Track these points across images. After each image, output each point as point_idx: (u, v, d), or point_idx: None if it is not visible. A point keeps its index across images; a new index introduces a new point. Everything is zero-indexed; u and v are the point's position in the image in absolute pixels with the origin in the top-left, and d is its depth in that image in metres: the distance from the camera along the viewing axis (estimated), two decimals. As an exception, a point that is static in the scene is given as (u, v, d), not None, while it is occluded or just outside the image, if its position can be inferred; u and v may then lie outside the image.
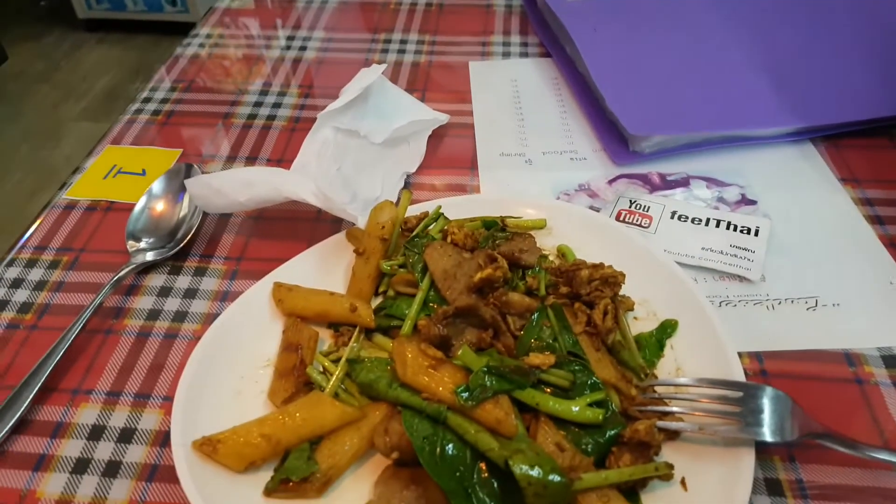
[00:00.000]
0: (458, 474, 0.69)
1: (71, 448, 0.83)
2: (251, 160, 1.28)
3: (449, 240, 0.95)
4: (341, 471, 0.74)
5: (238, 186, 1.03)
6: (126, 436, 0.84)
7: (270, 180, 1.02)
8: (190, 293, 1.02)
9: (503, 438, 0.71)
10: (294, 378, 0.81)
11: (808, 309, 0.96)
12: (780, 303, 0.97)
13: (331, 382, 0.79)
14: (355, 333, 0.84)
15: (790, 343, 0.91)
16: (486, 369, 0.74)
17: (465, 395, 0.72)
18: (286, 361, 0.84)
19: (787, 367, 0.88)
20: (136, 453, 0.82)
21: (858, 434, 0.80)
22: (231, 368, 0.86)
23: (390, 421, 0.73)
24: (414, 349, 0.76)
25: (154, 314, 0.99)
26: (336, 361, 0.82)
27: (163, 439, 0.83)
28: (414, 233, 0.98)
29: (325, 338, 0.91)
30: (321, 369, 0.83)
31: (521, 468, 0.66)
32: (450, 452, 0.70)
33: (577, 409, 0.76)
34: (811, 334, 0.93)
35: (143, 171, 1.27)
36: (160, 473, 0.80)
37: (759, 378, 0.87)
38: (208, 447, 0.74)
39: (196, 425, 0.78)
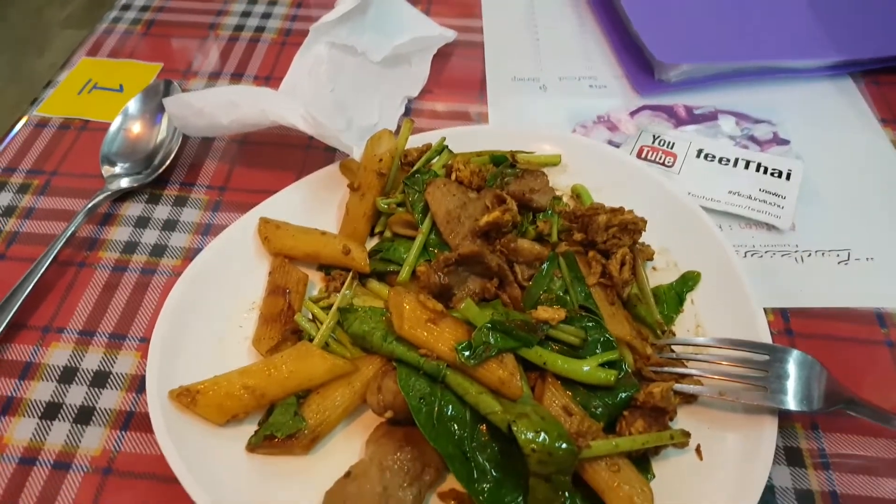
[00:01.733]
0: (456, 437, 0.63)
1: (41, 391, 0.77)
2: (237, 77, 1.17)
3: (454, 177, 0.86)
4: (330, 427, 0.68)
5: (221, 107, 0.93)
6: (100, 380, 0.78)
7: (256, 101, 0.92)
8: (169, 225, 0.94)
9: (506, 400, 0.65)
10: (281, 325, 0.75)
11: (839, 263, 0.89)
12: (809, 255, 0.90)
13: (320, 332, 0.72)
14: (348, 279, 0.77)
15: (819, 300, 0.84)
16: (489, 325, 0.67)
17: (467, 352, 0.65)
18: (272, 306, 0.77)
19: (815, 326, 0.82)
20: (111, 399, 0.76)
21: (887, 402, 0.74)
22: (213, 311, 0.79)
23: (384, 377, 0.67)
24: (412, 300, 0.69)
25: (131, 247, 0.91)
26: (327, 309, 0.75)
27: (139, 385, 0.77)
28: (415, 167, 0.89)
29: (316, 281, 0.84)
30: (310, 317, 0.76)
31: (525, 433, 0.61)
32: (448, 414, 0.64)
33: (587, 369, 0.69)
34: (842, 291, 0.85)
35: (121, 86, 1.16)
36: (136, 421, 0.74)
37: (785, 338, 0.80)
38: (186, 398, 0.68)
39: (174, 373, 0.72)
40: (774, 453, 0.66)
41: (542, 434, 0.61)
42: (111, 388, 0.77)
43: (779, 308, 0.83)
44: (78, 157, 1.03)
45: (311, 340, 0.73)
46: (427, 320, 0.68)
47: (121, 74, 1.18)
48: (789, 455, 0.71)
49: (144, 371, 0.73)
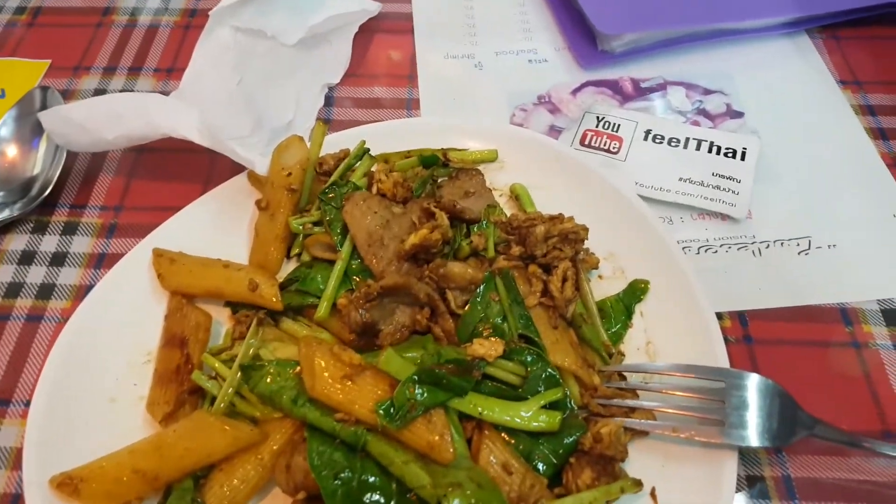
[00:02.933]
0: (381, 519, 0.56)
1: (-90, 474, 0.67)
2: (135, 72, 1.03)
3: (374, 189, 0.76)
4: (237, 511, 0.60)
5: (104, 120, 0.81)
6: (-21, 455, 0.69)
7: (144, 112, 0.79)
8: (58, 259, 0.82)
9: (438, 466, 0.57)
10: (177, 384, 0.65)
11: (800, 253, 0.82)
12: (767, 246, 0.83)
13: (220, 394, 0.63)
14: (252, 325, 0.67)
15: (779, 298, 0.78)
16: (415, 378, 0.59)
17: (390, 414, 0.57)
18: (168, 360, 0.67)
19: (775, 329, 0.75)
20: (-8, 478, 0.67)
21: (856, 410, 0.69)
22: (103, 367, 0.69)
23: (294, 453, 0.58)
24: (325, 354, 0.60)
25: (14, 289, 0.80)
26: (232, 361, 0.66)
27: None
28: (331, 179, 0.78)
29: (223, 319, 0.74)
30: (213, 373, 0.66)
31: (459, 508, 0.53)
32: (370, 490, 0.56)
33: (528, 414, 0.62)
34: (803, 285, 0.79)
35: (3, 91, 1.01)
36: None
37: (743, 345, 0.74)
38: (68, 487, 0.59)
39: (59, 447, 0.63)
40: (735, 486, 0.60)
41: (479, 506, 0.53)
42: None
43: (736, 311, 0.77)
44: (-49, 182, 0.90)
45: (213, 402, 0.64)
46: (343, 377, 0.59)
47: (2, 76, 1.03)
48: (751, 485, 0.65)
49: (30, 443, 0.64)
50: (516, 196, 0.84)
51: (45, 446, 0.63)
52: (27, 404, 0.71)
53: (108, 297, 0.73)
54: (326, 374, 0.59)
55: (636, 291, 0.75)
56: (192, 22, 1.10)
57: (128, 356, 0.70)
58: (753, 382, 0.64)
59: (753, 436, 0.61)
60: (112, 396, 0.68)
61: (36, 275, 0.81)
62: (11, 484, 0.66)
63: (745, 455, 0.66)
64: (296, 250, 0.78)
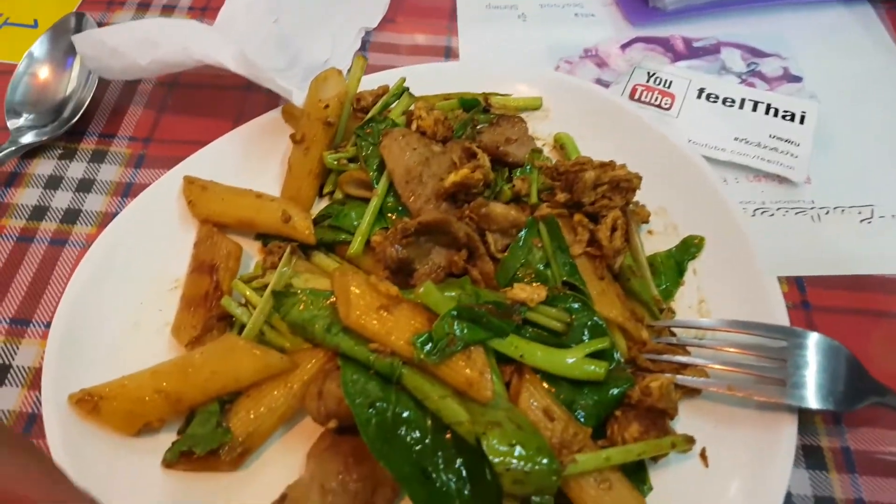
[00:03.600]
0: (414, 453, 0.52)
1: (-73, 392, 0.65)
2: (168, 9, 1.00)
3: (414, 126, 0.73)
4: (262, 439, 0.57)
5: (139, 45, 0.77)
6: (-4, 375, 0.66)
7: (179, 38, 0.76)
8: (84, 185, 0.80)
9: (476, 405, 0.54)
10: (205, 310, 0.62)
11: (861, 221, 0.77)
12: (827, 212, 0.78)
13: (251, 320, 0.60)
14: (286, 253, 0.64)
15: (839, 266, 0.73)
16: (454, 313, 0.55)
17: (427, 346, 0.54)
18: (196, 286, 0.64)
19: (835, 297, 0.70)
20: (10, 398, 0.64)
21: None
22: (127, 292, 0.67)
23: (326, 379, 0.55)
24: (361, 283, 0.56)
25: (39, 212, 0.77)
26: (262, 290, 0.62)
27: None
28: (369, 115, 0.75)
29: (253, 253, 0.71)
30: (242, 300, 0.63)
31: (497, 448, 0.50)
32: (404, 423, 0.53)
33: (572, 361, 0.58)
34: (865, 254, 0.74)
35: (35, 22, 0.99)
36: (40, 426, 0.62)
37: (801, 312, 0.69)
38: (88, 404, 0.56)
39: (78, 369, 0.60)
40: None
41: (518, 448, 0.50)
42: (10, 385, 0.65)
43: (794, 276, 0.72)
44: (-18, 106, 0.88)
45: (241, 330, 0.60)
46: (379, 307, 0.55)
47: (36, 7, 1.01)
48: (808, 455, 0.61)
49: (49, 363, 0.61)
50: (561, 145, 0.79)
51: (64, 364, 0.60)
52: (47, 325, 0.68)
53: (136, 223, 0.70)
54: (362, 303, 0.55)
55: (689, 247, 0.71)
56: (230, -38, 1.07)
57: (154, 282, 0.68)
58: (817, 342, 0.59)
59: (816, 398, 0.57)
60: (136, 321, 0.65)
61: (62, 199, 0.79)
62: (28, 403, 0.64)
63: (801, 423, 0.62)
64: (328, 188, 0.75)
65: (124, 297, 0.66)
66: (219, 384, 0.56)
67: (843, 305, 0.70)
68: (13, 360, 0.67)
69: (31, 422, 0.63)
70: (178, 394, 0.55)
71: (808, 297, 0.70)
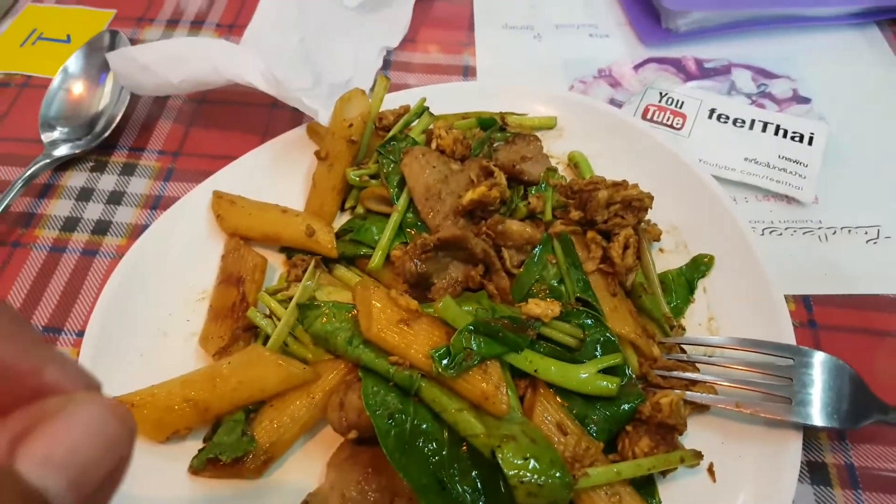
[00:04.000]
0: (431, 464, 0.54)
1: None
2: (197, 26, 1.04)
3: (434, 145, 0.75)
4: (285, 447, 0.59)
5: (170, 63, 0.81)
6: (31, 381, 0.68)
7: (209, 56, 0.79)
8: (115, 197, 0.83)
9: (491, 418, 0.56)
10: (232, 321, 0.65)
11: (868, 241, 0.79)
12: (834, 232, 0.80)
13: (276, 332, 0.62)
14: (310, 267, 0.66)
15: (845, 285, 0.75)
16: (471, 328, 0.57)
17: (445, 360, 0.56)
18: (224, 298, 0.67)
19: (842, 316, 0.72)
20: (44, 403, 0.67)
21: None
22: (157, 301, 0.69)
23: (348, 391, 0.57)
24: (382, 297, 0.59)
25: (71, 223, 0.81)
26: (286, 302, 0.65)
27: None
28: (390, 133, 0.77)
29: (277, 265, 0.74)
30: (267, 312, 0.66)
31: (512, 461, 0.52)
32: (422, 435, 0.55)
33: (585, 376, 0.60)
34: (872, 273, 0.76)
35: (68, 36, 1.03)
36: None
37: (808, 331, 0.71)
38: (120, 411, 0.58)
39: (110, 376, 0.62)
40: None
41: (532, 461, 0.52)
42: None
43: (801, 295, 0.74)
44: (18, 119, 0.92)
45: (266, 341, 0.63)
46: (399, 321, 0.58)
47: (69, 23, 1.05)
48: (813, 471, 0.62)
49: (81, 371, 0.64)
50: (575, 164, 0.82)
51: (96, 371, 0.62)
52: (79, 334, 0.71)
53: (166, 235, 0.73)
54: (383, 317, 0.57)
55: (699, 266, 0.73)
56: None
57: (182, 293, 0.70)
58: (823, 361, 0.61)
59: (821, 415, 0.59)
60: (165, 330, 0.68)
61: (93, 211, 0.82)
62: None
63: (806, 439, 0.63)
64: (350, 203, 0.77)
65: (154, 307, 0.69)
66: (245, 394, 0.58)
67: (849, 324, 0.71)
68: (47, 366, 0.69)
69: None
70: (205, 403, 0.58)
71: (814, 315, 0.72)
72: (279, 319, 0.63)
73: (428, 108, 0.81)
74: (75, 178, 0.85)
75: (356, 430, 0.56)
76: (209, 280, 0.71)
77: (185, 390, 0.58)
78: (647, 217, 0.73)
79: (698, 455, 0.58)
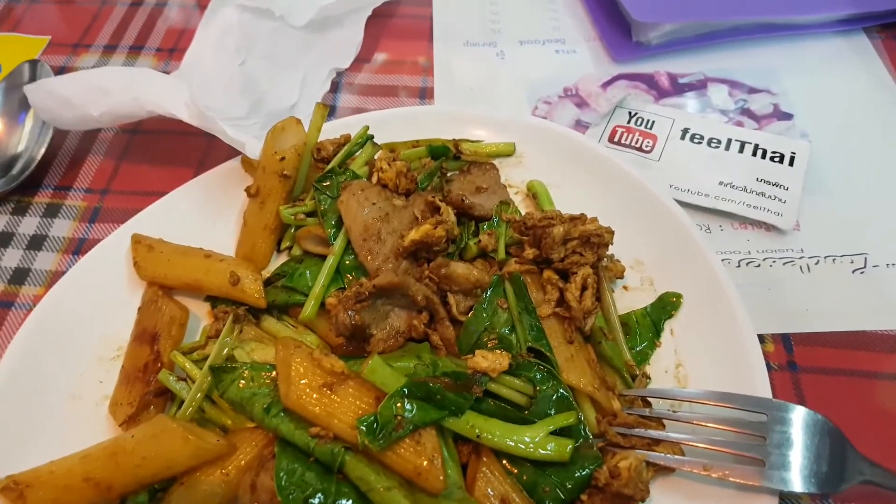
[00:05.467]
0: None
1: None
2: (135, 51, 0.98)
3: (375, 178, 0.69)
4: (198, 531, 0.52)
5: (91, 95, 0.75)
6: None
7: (130, 87, 0.73)
8: (36, 242, 0.77)
9: (425, 495, 0.49)
10: (143, 384, 0.58)
11: (854, 271, 0.72)
12: (817, 262, 0.73)
13: (188, 399, 0.56)
14: (228, 321, 0.60)
15: (829, 321, 0.68)
16: (405, 390, 0.51)
17: (373, 431, 0.49)
18: (136, 357, 0.60)
19: (824, 356, 0.66)
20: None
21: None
22: (68, 360, 0.63)
23: (261, 470, 0.51)
24: (304, 359, 0.52)
25: (-13, 271, 0.75)
26: (204, 361, 0.58)
27: None
28: (329, 166, 0.71)
29: (202, 315, 0.67)
30: (184, 374, 0.59)
31: (446, 548, 0.45)
32: (344, 522, 0.48)
33: (535, 439, 0.53)
34: (857, 308, 0.69)
35: (-1, 66, 0.98)
36: None
37: (787, 373, 0.65)
38: (13, 492, 0.52)
39: (14, 446, 0.57)
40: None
41: (469, 547, 0.45)
42: None
43: (780, 334, 0.67)
44: (-63, 156, 0.85)
45: (181, 407, 0.57)
46: (322, 385, 0.51)
47: (0, 50, 0.99)
48: (792, 536, 0.56)
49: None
50: (534, 194, 0.76)
51: None
52: None
53: (80, 285, 0.67)
54: (304, 382, 0.51)
55: (666, 306, 0.66)
56: (200, 2, 1.05)
57: (96, 350, 0.64)
58: (800, 416, 0.54)
59: (798, 480, 0.52)
60: (74, 393, 0.62)
61: (11, 258, 0.76)
62: None
63: (784, 499, 0.57)
64: (286, 243, 0.71)
65: (63, 368, 0.63)
66: (150, 471, 0.52)
67: (833, 366, 0.65)
68: (-50, 433, 0.63)
69: None
70: (107, 481, 0.52)
71: (794, 357, 0.66)
72: (192, 383, 0.57)
73: (372, 137, 0.75)
74: (-4, 221, 0.79)
75: (270, 515, 0.49)
76: (126, 335, 0.64)
77: (85, 467, 0.52)
78: (609, 252, 0.67)
79: (661, 533, 0.51)
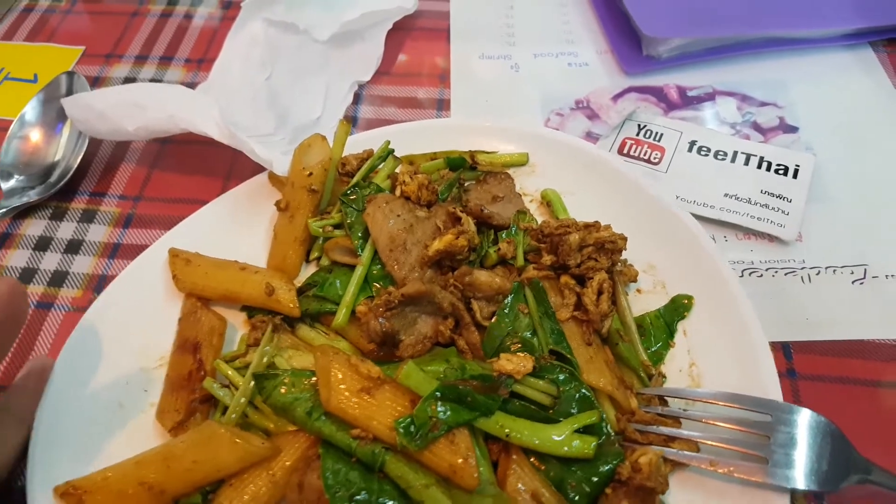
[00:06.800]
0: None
1: None
2: (166, 61, 1.01)
3: (398, 192, 0.73)
4: (246, 528, 0.56)
5: (125, 110, 0.78)
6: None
7: (164, 104, 0.77)
8: (73, 247, 0.80)
9: (461, 492, 0.53)
10: (188, 392, 0.62)
11: (854, 282, 0.76)
12: (818, 272, 0.77)
13: (232, 405, 0.59)
14: (267, 331, 0.63)
15: (828, 330, 0.71)
16: (438, 394, 0.55)
17: (410, 432, 0.53)
18: (180, 366, 0.64)
19: (823, 364, 0.69)
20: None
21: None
22: (113, 371, 0.66)
23: (307, 470, 0.54)
24: (342, 365, 0.56)
25: (27, 275, 0.78)
26: (245, 368, 0.62)
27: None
28: (353, 180, 0.75)
29: (238, 324, 0.70)
30: (226, 381, 0.63)
31: (482, 540, 0.49)
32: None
33: (560, 438, 0.57)
34: (856, 318, 0.72)
35: (35, 76, 1.00)
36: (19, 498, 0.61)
37: (787, 380, 0.68)
38: (72, 497, 0.55)
39: (64, 454, 0.60)
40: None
41: (505, 537, 0.49)
42: None
43: (780, 342, 0.71)
44: (-22, 164, 0.89)
45: (225, 412, 0.60)
46: (360, 390, 0.55)
47: (36, 61, 1.02)
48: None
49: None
50: (548, 202, 0.79)
51: (49, 452, 0.60)
52: None
53: (121, 298, 0.70)
54: (343, 387, 0.55)
55: (678, 308, 0.70)
56: (227, 14, 1.08)
57: (140, 360, 0.67)
58: (804, 418, 0.58)
59: (799, 477, 0.56)
60: (121, 402, 0.65)
61: (50, 261, 0.79)
62: (14, 474, 0.63)
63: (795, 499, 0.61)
64: (315, 254, 0.74)
65: (110, 378, 0.66)
66: (200, 474, 0.55)
67: (831, 374, 0.68)
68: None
69: (6, 493, 0.62)
70: (160, 486, 0.55)
71: (794, 364, 0.69)
72: (237, 389, 0.60)
73: (392, 151, 0.78)
74: (34, 227, 0.82)
75: (317, 512, 0.53)
76: (167, 345, 0.68)
77: (138, 472, 0.55)
78: (622, 257, 0.71)
79: (680, 521, 0.55)
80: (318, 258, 0.74)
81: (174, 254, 0.71)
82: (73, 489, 0.55)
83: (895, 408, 0.66)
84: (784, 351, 0.70)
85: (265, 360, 0.61)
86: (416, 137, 0.82)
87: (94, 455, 0.59)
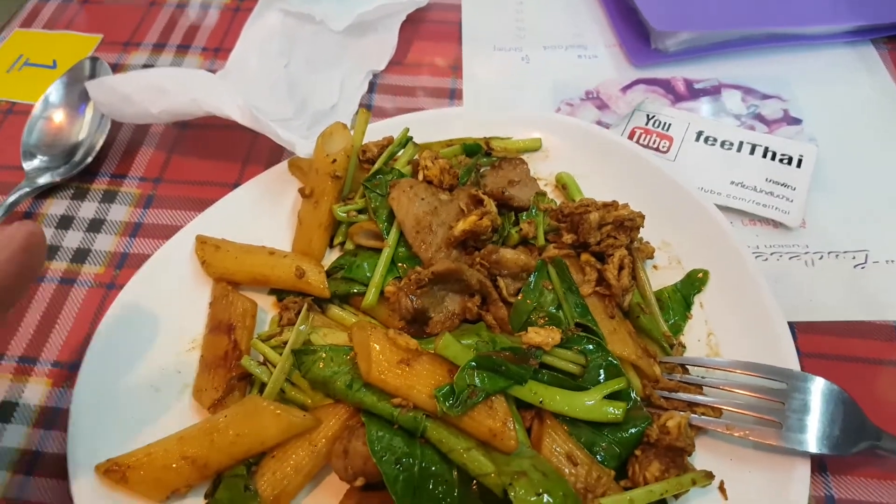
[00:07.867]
0: (441, 509, 0.54)
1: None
2: (183, 49, 1.02)
3: (421, 176, 0.74)
4: (290, 498, 0.57)
5: (149, 93, 0.79)
6: (4, 412, 0.67)
7: (188, 88, 0.78)
8: (94, 225, 0.81)
9: (500, 454, 0.56)
10: (226, 371, 0.63)
11: (855, 266, 0.79)
12: (821, 257, 0.80)
13: (272, 380, 0.61)
14: (303, 310, 0.65)
15: (831, 312, 0.74)
16: (474, 363, 0.57)
17: (450, 399, 0.55)
18: (215, 347, 0.65)
19: (825, 343, 0.72)
20: (15, 436, 0.65)
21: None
22: (146, 355, 0.67)
23: (351, 437, 0.56)
24: (380, 338, 0.58)
25: (50, 251, 0.79)
26: (281, 347, 0.64)
27: (49, 418, 0.66)
28: (375, 166, 0.76)
29: (267, 307, 0.72)
30: (261, 359, 0.65)
31: (525, 498, 0.51)
32: (431, 478, 0.54)
33: (591, 403, 0.60)
34: (857, 300, 0.75)
35: (54, 62, 1.00)
36: (44, 464, 0.63)
37: (790, 359, 0.71)
38: (116, 474, 0.57)
39: (103, 437, 0.61)
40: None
41: (546, 496, 0.52)
42: (16, 423, 0.66)
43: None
44: (0, 146, 0.89)
45: (262, 388, 0.62)
46: (399, 361, 0.57)
47: (55, 48, 1.03)
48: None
49: (55, 401, 0.65)
50: (563, 185, 0.82)
51: (90, 438, 0.61)
52: (54, 365, 0.70)
53: (150, 285, 0.71)
54: (382, 359, 0.57)
55: (694, 282, 0.73)
56: (242, 5, 1.09)
57: (171, 344, 0.68)
58: (818, 386, 0.62)
59: (812, 441, 0.59)
60: (156, 386, 0.66)
61: (72, 239, 0.80)
62: (34, 441, 0.65)
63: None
64: (339, 239, 0.76)
65: (143, 362, 0.67)
66: (244, 447, 0.56)
67: (834, 352, 0.71)
68: (20, 398, 0.68)
69: (34, 461, 0.64)
70: (204, 459, 0.56)
71: (798, 343, 0.71)
72: (274, 366, 0.62)
73: (412, 138, 0.80)
74: (56, 206, 0.83)
75: (363, 477, 0.55)
76: (197, 329, 0.69)
77: (182, 447, 0.57)
78: (639, 235, 0.73)
79: (709, 475, 0.58)
80: (342, 243, 0.76)
81: (202, 241, 0.72)
82: (117, 466, 0.56)
83: (885, 384, 0.70)
84: (789, 331, 0.73)
85: (302, 337, 0.63)
86: (432, 125, 0.84)
87: (134, 440, 0.60)
